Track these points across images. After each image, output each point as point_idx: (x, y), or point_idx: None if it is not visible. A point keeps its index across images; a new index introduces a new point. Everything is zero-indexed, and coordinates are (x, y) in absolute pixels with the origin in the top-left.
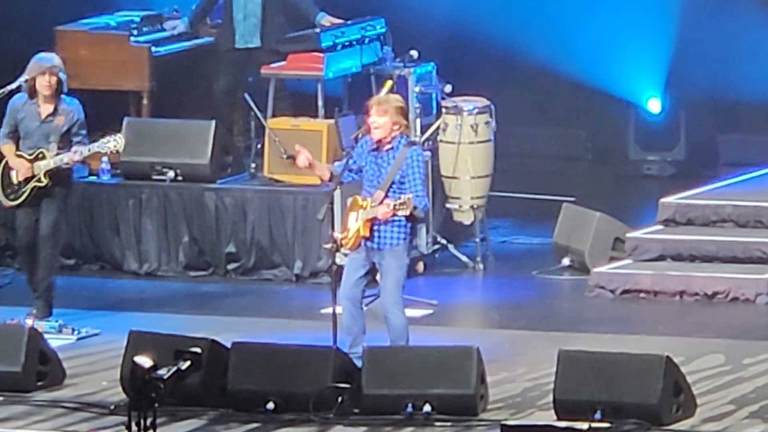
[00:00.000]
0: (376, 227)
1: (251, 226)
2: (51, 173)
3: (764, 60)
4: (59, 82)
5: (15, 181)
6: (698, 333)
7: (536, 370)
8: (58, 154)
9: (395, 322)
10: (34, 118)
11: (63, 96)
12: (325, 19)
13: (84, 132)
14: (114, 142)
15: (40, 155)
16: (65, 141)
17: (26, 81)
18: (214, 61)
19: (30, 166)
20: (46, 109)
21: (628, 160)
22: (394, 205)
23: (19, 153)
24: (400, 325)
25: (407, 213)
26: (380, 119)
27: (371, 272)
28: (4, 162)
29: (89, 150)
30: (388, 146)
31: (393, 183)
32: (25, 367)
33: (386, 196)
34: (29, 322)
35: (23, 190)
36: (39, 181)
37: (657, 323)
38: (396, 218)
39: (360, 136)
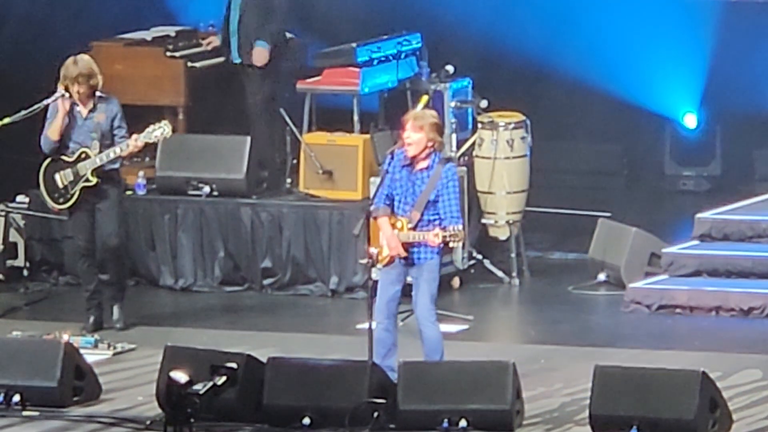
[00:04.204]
0: (410, 245)
1: (287, 241)
2: (99, 172)
3: None
4: (90, 87)
5: (61, 184)
6: (734, 348)
7: (573, 386)
8: (101, 151)
9: (430, 335)
10: (75, 117)
11: (99, 93)
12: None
13: (124, 126)
14: (161, 130)
15: (83, 155)
16: (108, 137)
17: (64, 86)
18: None
19: (68, 169)
20: (84, 108)
21: (664, 176)
22: (444, 236)
23: (59, 157)
24: (435, 338)
25: (458, 245)
26: (415, 135)
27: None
28: (45, 165)
29: (136, 140)
30: (423, 164)
31: (428, 202)
32: (61, 382)
33: (421, 216)
34: (65, 336)
35: (72, 192)
36: (87, 180)
37: (693, 339)
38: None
39: (396, 150)
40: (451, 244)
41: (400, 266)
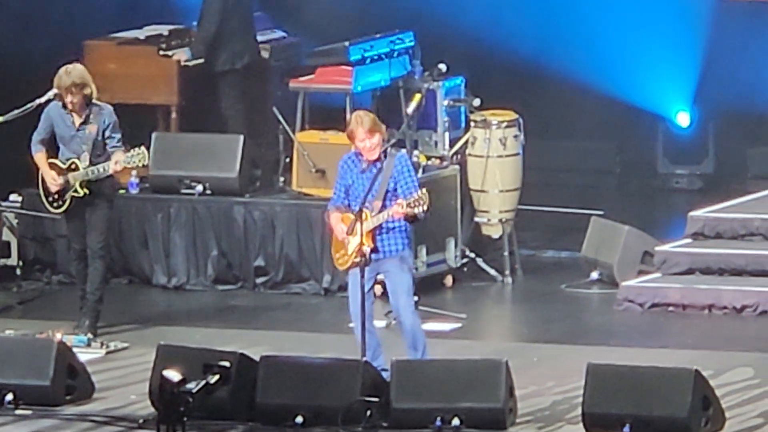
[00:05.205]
0: (378, 236)
1: (280, 240)
2: (88, 184)
3: None
4: (84, 97)
5: (53, 191)
6: (727, 346)
7: (565, 384)
8: (92, 163)
9: (411, 326)
10: (69, 127)
11: (94, 102)
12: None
13: (117, 135)
14: (139, 156)
15: (73, 165)
16: (100, 148)
17: (56, 94)
18: None
19: (60, 177)
20: (79, 118)
21: (657, 174)
22: (407, 203)
23: (52, 161)
24: (416, 329)
25: (424, 209)
26: (374, 140)
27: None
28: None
29: (116, 163)
30: (374, 158)
31: (387, 191)
32: (53, 381)
33: (383, 205)
34: (58, 335)
35: (63, 199)
36: (75, 192)
37: (686, 337)
38: (397, 224)
39: (352, 156)
40: (417, 210)
41: (370, 262)
